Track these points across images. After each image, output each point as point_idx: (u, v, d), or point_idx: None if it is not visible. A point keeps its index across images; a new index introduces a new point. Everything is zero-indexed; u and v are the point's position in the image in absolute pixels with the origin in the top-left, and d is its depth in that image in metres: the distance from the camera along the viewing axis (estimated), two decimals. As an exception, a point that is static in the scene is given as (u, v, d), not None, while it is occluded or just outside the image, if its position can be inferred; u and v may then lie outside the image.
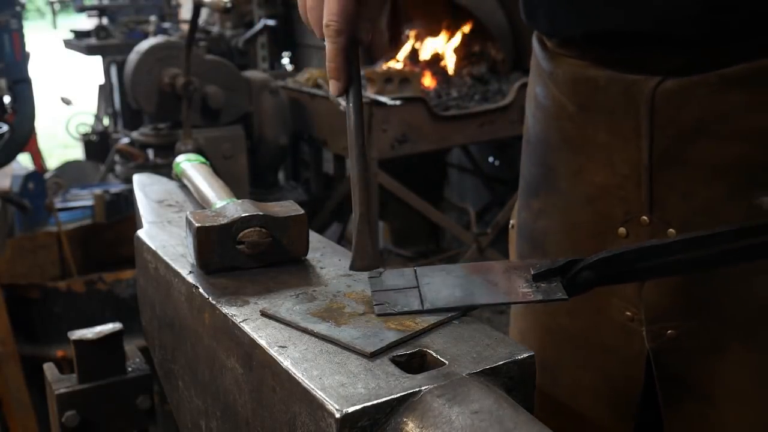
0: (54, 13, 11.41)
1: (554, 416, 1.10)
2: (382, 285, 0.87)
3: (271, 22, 5.24)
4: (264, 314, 0.85)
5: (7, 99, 3.95)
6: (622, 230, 0.98)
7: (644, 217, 0.96)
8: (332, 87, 0.90)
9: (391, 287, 0.87)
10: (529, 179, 1.11)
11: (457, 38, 4.24)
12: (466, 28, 4.25)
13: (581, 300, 1.03)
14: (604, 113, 0.97)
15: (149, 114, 3.81)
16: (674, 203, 0.94)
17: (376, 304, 0.84)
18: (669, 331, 0.97)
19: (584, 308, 1.04)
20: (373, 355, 0.75)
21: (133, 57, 3.68)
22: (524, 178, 1.13)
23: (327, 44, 0.88)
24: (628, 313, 1.00)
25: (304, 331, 0.81)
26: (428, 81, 4.03)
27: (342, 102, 3.77)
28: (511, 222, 1.19)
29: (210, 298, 0.89)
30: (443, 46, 4.26)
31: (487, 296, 0.85)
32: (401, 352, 0.76)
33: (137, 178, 1.34)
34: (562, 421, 1.09)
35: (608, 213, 0.99)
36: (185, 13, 6.36)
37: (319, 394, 0.70)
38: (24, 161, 5.22)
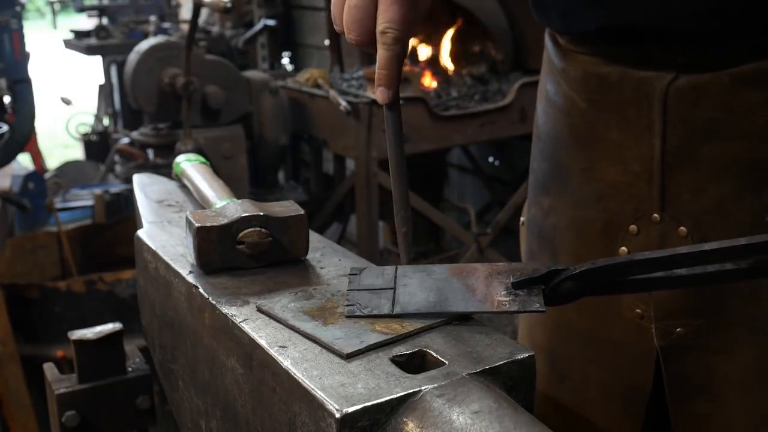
0: (54, 13, 11.39)
1: (561, 412, 1.09)
2: (359, 284, 0.87)
3: (271, 22, 5.24)
4: (259, 310, 0.85)
5: (7, 99, 3.95)
6: (633, 227, 0.98)
7: (655, 215, 0.96)
8: (381, 95, 0.86)
9: (367, 287, 0.86)
10: (539, 176, 1.11)
11: (450, 34, 4.23)
12: (461, 25, 4.24)
13: (591, 297, 1.04)
14: (616, 110, 0.97)
15: (149, 114, 3.80)
16: (686, 201, 0.94)
17: (347, 305, 0.84)
18: (678, 329, 0.98)
19: (593, 304, 1.04)
20: (349, 356, 0.75)
21: (133, 57, 3.68)
22: (534, 175, 1.13)
23: (381, 51, 0.84)
24: (638, 311, 1.00)
25: (291, 328, 0.81)
26: (428, 81, 4.03)
27: (342, 102, 3.74)
28: (522, 219, 1.19)
29: (210, 298, 0.89)
30: (441, 45, 4.26)
31: (461, 303, 0.82)
32: (401, 351, 0.77)
33: (137, 178, 1.34)
34: (570, 416, 1.09)
35: (619, 210, 0.99)
36: (185, 13, 6.35)
37: (319, 394, 0.70)
38: (24, 161, 5.22)
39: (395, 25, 0.82)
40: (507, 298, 0.81)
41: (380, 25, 0.83)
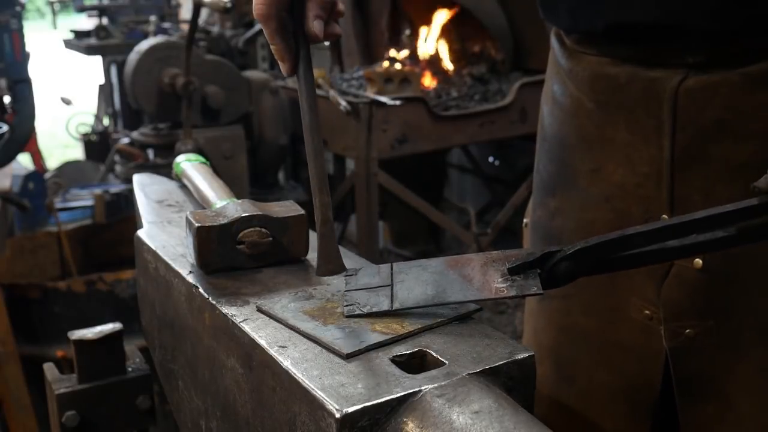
0: (54, 13, 11.40)
1: (567, 414, 1.09)
2: (355, 284, 0.87)
3: (271, 22, 5.21)
4: (259, 309, 0.85)
5: (7, 99, 3.95)
6: None
7: (664, 216, 0.96)
8: (282, 69, 0.90)
9: (364, 286, 0.86)
10: (545, 177, 1.10)
11: (441, 21, 4.22)
12: (456, 16, 4.24)
13: (597, 298, 1.02)
14: (624, 111, 0.97)
15: (149, 114, 3.80)
16: (695, 202, 0.93)
17: (345, 305, 0.84)
18: (687, 331, 0.97)
19: (600, 307, 1.03)
20: (349, 356, 0.75)
21: (133, 57, 3.68)
22: (540, 176, 1.12)
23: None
24: (647, 312, 1.00)
25: (291, 328, 0.81)
26: (428, 81, 4.03)
27: (342, 102, 3.74)
28: (525, 220, 1.18)
29: (210, 298, 0.89)
30: (442, 45, 4.26)
31: (459, 293, 0.82)
32: (401, 351, 0.77)
33: (137, 178, 1.34)
34: (576, 419, 1.08)
35: (627, 211, 0.99)
36: (185, 13, 6.36)
37: (319, 394, 0.70)
38: (24, 161, 5.22)
39: (258, 6, 0.87)
40: (504, 285, 0.81)
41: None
